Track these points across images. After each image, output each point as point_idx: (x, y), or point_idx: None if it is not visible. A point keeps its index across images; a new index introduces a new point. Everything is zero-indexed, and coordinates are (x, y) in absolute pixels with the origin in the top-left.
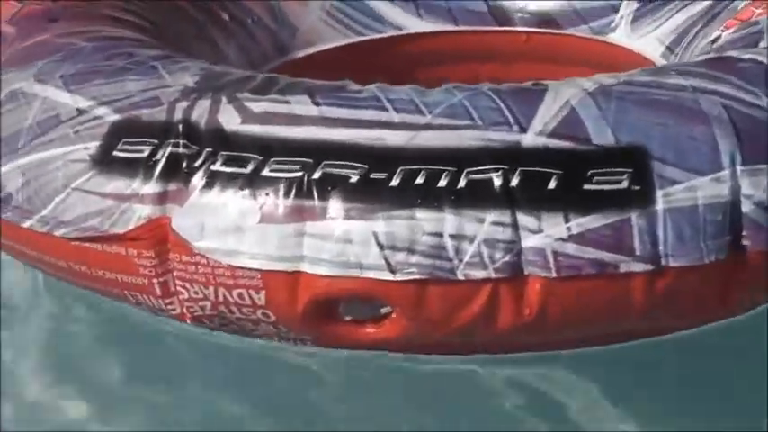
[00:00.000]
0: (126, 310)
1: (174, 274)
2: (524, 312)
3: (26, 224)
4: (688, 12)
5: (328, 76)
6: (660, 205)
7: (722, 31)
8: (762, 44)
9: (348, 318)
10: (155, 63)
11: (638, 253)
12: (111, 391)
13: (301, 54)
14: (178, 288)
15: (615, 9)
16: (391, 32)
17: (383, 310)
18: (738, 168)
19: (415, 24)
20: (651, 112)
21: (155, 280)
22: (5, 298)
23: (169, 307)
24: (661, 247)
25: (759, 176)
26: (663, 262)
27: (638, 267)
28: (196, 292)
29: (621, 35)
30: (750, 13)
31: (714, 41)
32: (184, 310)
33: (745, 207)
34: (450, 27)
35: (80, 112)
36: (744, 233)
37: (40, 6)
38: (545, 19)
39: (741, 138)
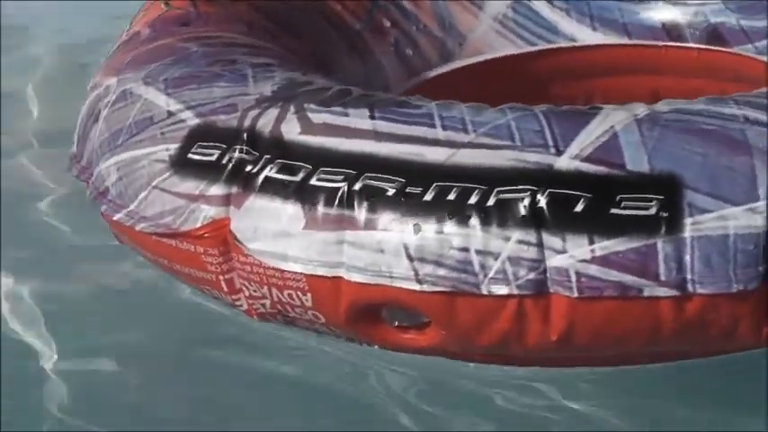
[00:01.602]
0: None
1: (237, 272)
2: (551, 329)
3: (116, 217)
4: None
5: (492, 86)
6: (688, 233)
7: None
8: None
9: (396, 323)
10: (247, 71)
11: (662, 278)
12: None
13: (467, 62)
14: (241, 286)
15: None
16: (564, 43)
17: (425, 319)
18: None
19: (588, 36)
20: (693, 140)
21: (221, 277)
22: None
23: (237, 303)
24: (687, 274)
25: None
26: (689, 288)
27: (663, 292)
28: (255, 291)
29: None
30: None
31: None
32: (250, 307)
33: None
34: (625, 40)
35: (169, 114)
36: None
37: (181, 11)
38: (715, 35)
39: None
